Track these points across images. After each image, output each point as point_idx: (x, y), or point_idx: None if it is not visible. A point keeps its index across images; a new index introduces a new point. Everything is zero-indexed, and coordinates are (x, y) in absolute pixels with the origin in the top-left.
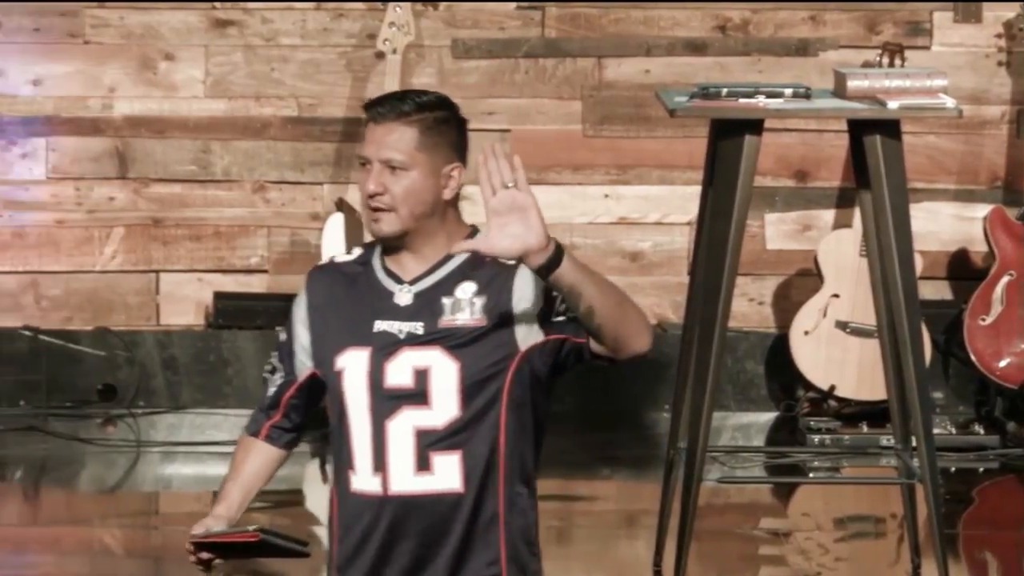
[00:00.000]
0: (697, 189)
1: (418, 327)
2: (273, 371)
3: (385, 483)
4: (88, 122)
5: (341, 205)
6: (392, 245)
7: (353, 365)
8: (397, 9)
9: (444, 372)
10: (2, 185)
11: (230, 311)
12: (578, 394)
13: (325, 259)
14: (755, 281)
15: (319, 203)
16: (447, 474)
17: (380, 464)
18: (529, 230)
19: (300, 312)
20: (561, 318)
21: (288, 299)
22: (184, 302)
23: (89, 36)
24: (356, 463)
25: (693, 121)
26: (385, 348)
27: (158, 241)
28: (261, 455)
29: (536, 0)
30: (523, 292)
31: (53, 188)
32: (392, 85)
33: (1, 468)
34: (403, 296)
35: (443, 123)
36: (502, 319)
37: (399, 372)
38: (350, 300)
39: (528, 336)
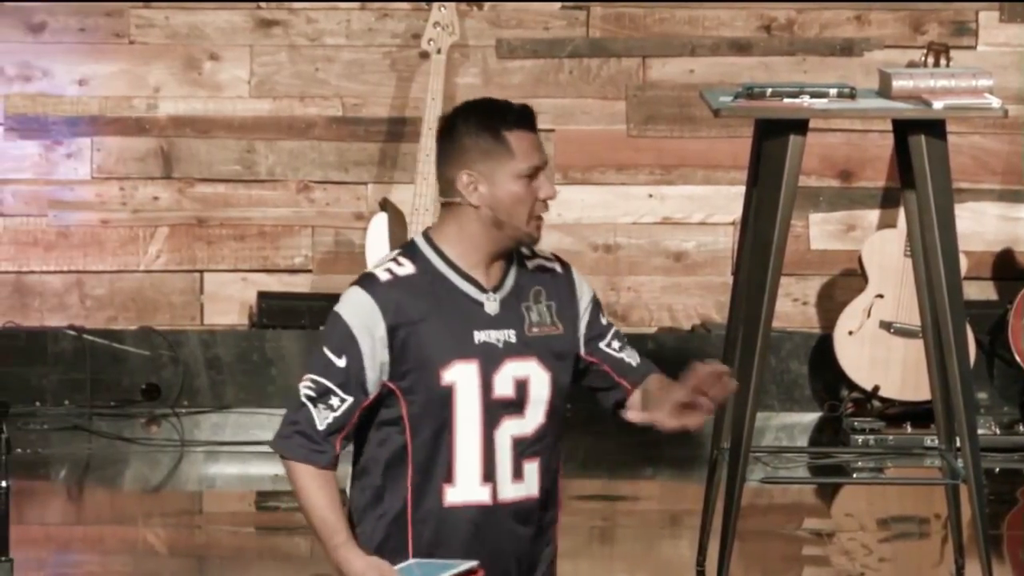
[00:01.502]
0: (741, 189)
1: (511, 335)
2: (324, 395)
3: (494, 492)
4: (133, 122)
5: (385, 205)
6: (497, 254)
7: (464, 378)
8: (442, 9)
9: (540, 382)
10: (47, 185)
11: (274, 311)
12: None
13: (381, 274)
14: (799, 281)
15: (363, 203)
16: (531, 481)
17: (490, 474)
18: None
19: (378, 331)
20: (612, 348)
21: (332, 299)
22: (228, 302)
23: (134, 36)
24: (457, 475)
25: (737, 121)
26: (490, 359)
27: (202, 241)
28: (336, 485)
29: (580, 0)
30: (584, 300)
31: (98, 188)
32: (436, 85)
33: (46, 467)
34: (491, 304)
35: None
36: (571, 325)
37: (504, 383)
38: (440, 312)
39: (581, 343)
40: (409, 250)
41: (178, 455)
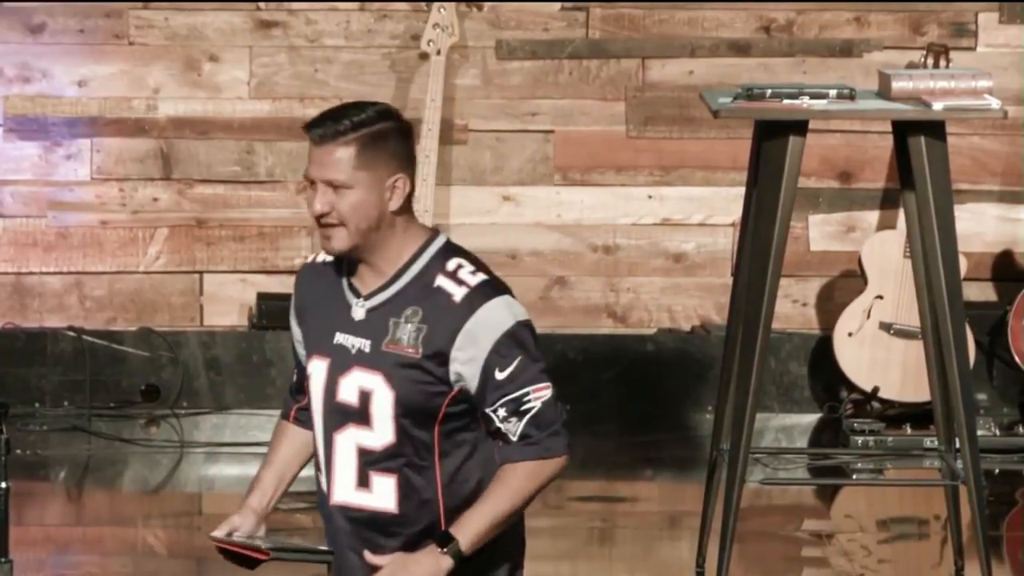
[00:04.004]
0: (741, 190)
1: (366, 345)
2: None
3: (330, 490)
4: (132, 123)
5: None
6: (350, 259)
7: (316, 373)
8: (441, 10)
9: (382, 398)
10: (47, 186)
11: (273, 312)
12: (620, 396)
13: (310, 257)
14: (799, 282)
15: None
16: (383, 494)
17: (328, 472)
18: None
19: (292, 307)
20: (496, 415)
21: None
22: (227, 303)
23: (134, 37)
24: (320, 464)
25: (737, 122)
26: (341, 362)
27: (202, 242)
28: (293, 438)
29: (580, 1)
30: (464, 349)
31: (97, 189)
32: (436, 87)
33: (45, 468)
34: (358, 310)
35: (382, 137)
36: (438, 357)
37: (348, 389)
38: (322, 306)
39: (464, 384)
40: None
41: (178, 456)
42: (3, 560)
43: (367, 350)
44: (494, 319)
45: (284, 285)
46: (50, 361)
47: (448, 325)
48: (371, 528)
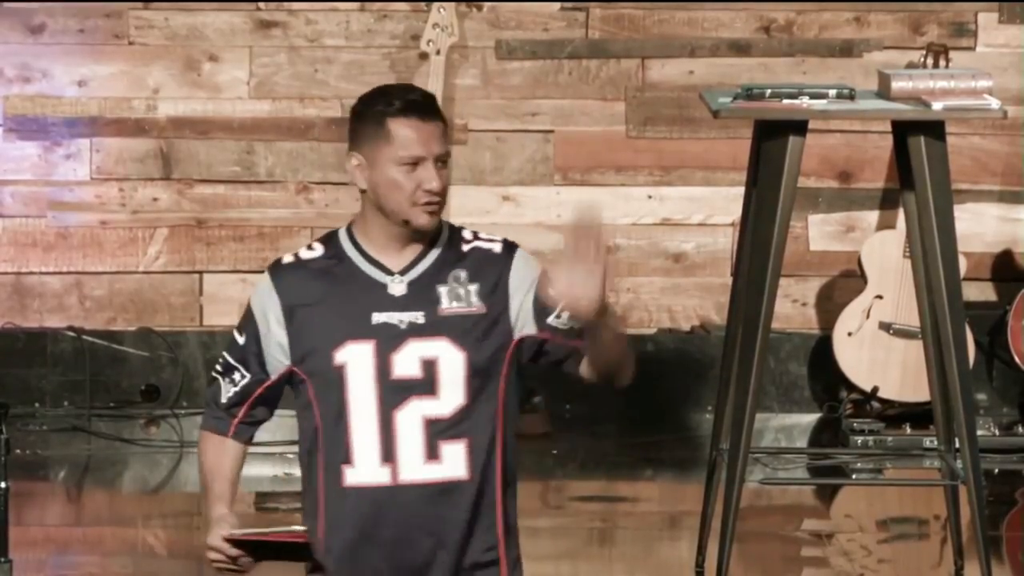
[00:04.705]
0: (740, 190)
1: (419, 316)
2: (228, 370)
3: (395, 472)
4: (132, 123)
5: None
6: (399, 237)
7: (357, 359)
8: (441, 10)
9: (451, 362)
10: (47, 186)
11: None
12: (620, 396)
13: (286, 258)
14: (798, 282)
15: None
16: (454, 462)
17: (389, 454)
18: (591, 289)
19: (272, 311)
20: (558, 320)
21: None
22: (227, 303)
23: (133, 37)
24: (356, 457)
25: (737, 122)
26: (390, 339)
27: (202, 242)
28: (234, 452)
29: (580, 1)
30: (519, 282)
31: (97, 189)
32: (436, 86)
33: (45, 468)
34: (396, 286)
35: None
36: (500, 306)
37: (406, 363)
38: (337, 295)
39: (523, 325)
40: (327, 236)
41: (177, 456)
42: (3, 560)
43: (421, 320)
44: (529, 260)
45: None
46: (50, 361)
47: (498, 275)
48: (441, 500)
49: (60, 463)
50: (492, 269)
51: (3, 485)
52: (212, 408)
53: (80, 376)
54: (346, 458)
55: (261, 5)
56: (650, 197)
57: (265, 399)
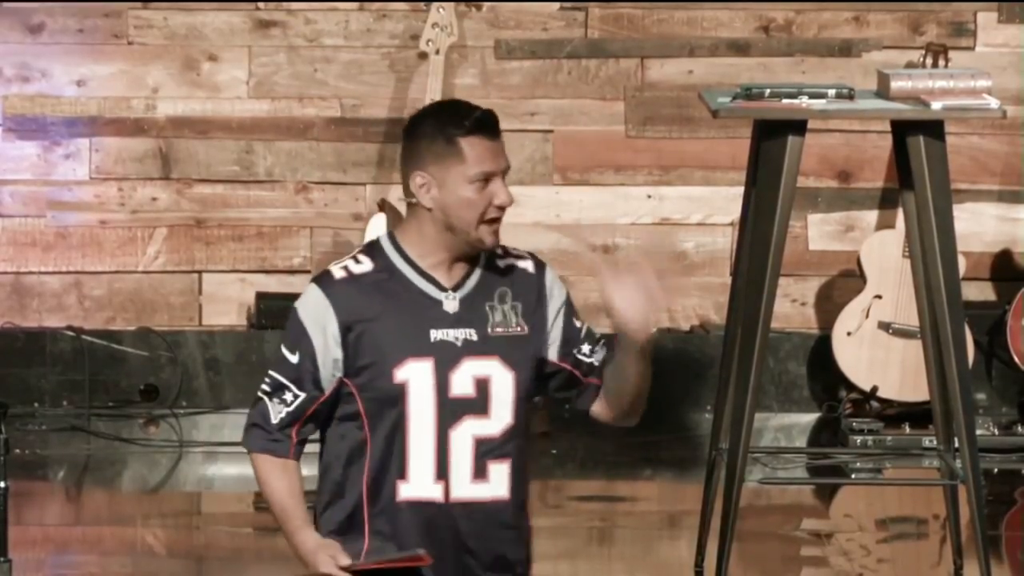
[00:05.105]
0: (740, 190)
1: (472, 334)
2: (278, 389)
3: (447, 490)
4: (131, 123)
5: (383, 206)
6: (455, 254)
7: (418, 376)
8: (440, 10)
9: (502, 382)
10: (46, 186)
11: (272, 311)
12: None
13: (337, 271)
14: (798, 282)
15: (362, 204)
16: (499, 482)
17: (443, 472)
18: (650, 314)
19: (330, 328)
20: (583, 354)
21: None
22: (226, 302)
23: (133, 37)
24: (411, 472)
25: (736, 122)
26: (448, 357)
27: (201, 241)
28: (298, 473)
29: (579, 1)
30: (554, 302)
31: (96, 188)
32: (435, 86)
33: (44, 468)
34: (450, 303)
35: None
36: (539, 328)
37: (462, 382)
38: (394, 311)
39: (548, 347)
40: (370, 248)
41: (177, 456)
42: (2, 559)
43: (475, 338)
44: (558, 281)
45: (283, 285)
46: (49, 361)
47: (535, 294)
48: (484, 519)
49: (59, 463)
50: (530, 289)
51: (2, 485)
52: (261, 430)
53: (79, 376)
54: (401, 473)
55: (260, 5)
56: (649, 197)
57: (316, 415)
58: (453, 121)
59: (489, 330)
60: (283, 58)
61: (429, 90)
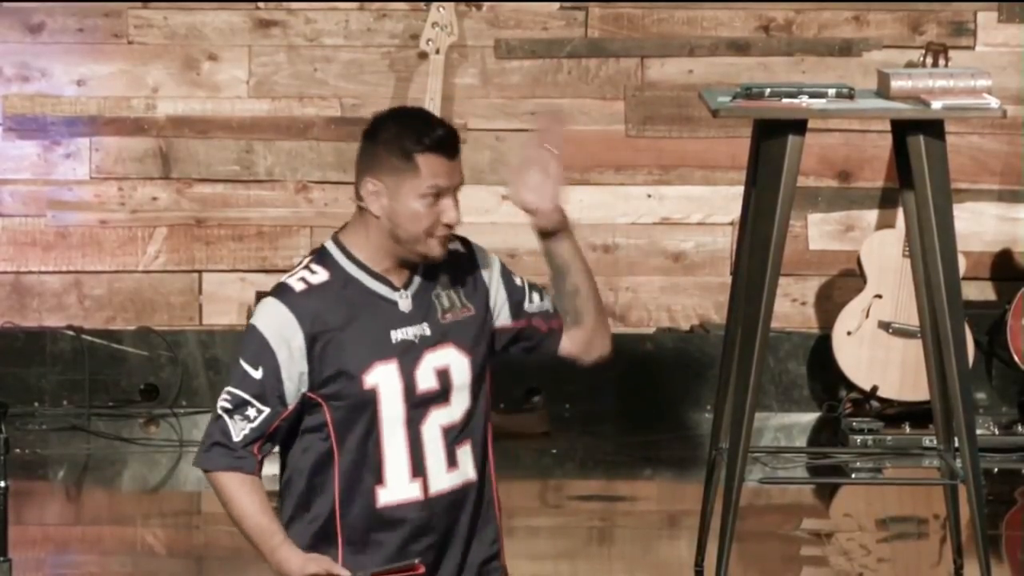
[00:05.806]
0: (740, 189)
1: (426, 328)
2: (240, 406)
3: (425, 486)
4: (131, 122)
5: None
6: (408, 261)
7: (386, 379)
8: (440, 9)
9: (460, 367)
10: (46, 185)
11: None
12: (619, 395)
13: (295, 284)
14: (798, 281)
15: None
16: (466, 464)
17: (419, 469)
18: (546, 189)
19: (295, 341)
20: (534, 305)
21: None
22: (227, 302)
23: (133, 36)
24: (388, 475)
25: (736, 121)
26: (409, 356)
27: (201, 241)
28: (263, 488)
29: (579, 0)
30: (489, 275)
31: (97, 188)
32: (435, 85)
33: (44, 467)
34: (404, 302)
35: None
36: (482, 304)
37: (426, 377)
38: (356, 317)
39: (498, 317)
40: (321, 257)
41: (177, 455)
42: (2, 559)
43: (429, 332)
44: (486, 251)
45: None
46: (49, 360)
47: (473, 273)
48: (459, 504)
49: (59, 462)
50: (466, 268)
51: (2, 484)
52: (224, 448)
53: (79, 375)
54: (379, 478)
55: (260, 4)
56: (649, 196)
57: (277, 432)
58: (413, 136)
59: (440, 319)
60: (283, 58)
61: (429, 89)
